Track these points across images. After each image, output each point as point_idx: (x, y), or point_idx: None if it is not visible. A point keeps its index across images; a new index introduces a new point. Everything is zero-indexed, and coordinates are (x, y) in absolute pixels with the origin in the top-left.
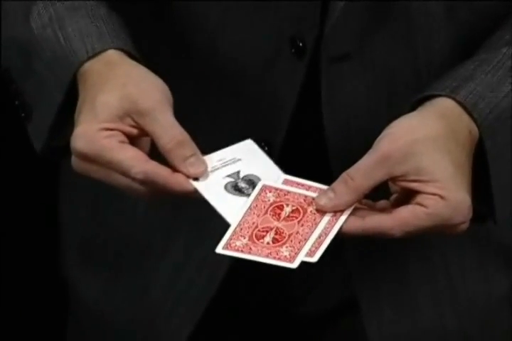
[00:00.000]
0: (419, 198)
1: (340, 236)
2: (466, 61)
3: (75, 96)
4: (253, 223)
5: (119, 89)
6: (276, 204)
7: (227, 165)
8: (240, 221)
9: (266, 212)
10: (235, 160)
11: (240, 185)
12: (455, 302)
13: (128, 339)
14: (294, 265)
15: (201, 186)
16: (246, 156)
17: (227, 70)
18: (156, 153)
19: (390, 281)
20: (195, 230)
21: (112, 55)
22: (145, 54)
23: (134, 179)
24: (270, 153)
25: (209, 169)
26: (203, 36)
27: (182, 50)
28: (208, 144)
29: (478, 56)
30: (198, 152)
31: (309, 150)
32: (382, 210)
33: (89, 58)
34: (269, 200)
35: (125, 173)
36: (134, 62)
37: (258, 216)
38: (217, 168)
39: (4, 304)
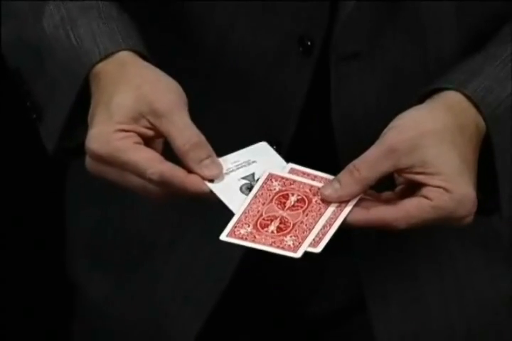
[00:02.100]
0: (424, 191)
1: (344, 227)
2: (474, 55)
3: (87, 97)
4: (258, 211)
5: (134, 90)
6: (282, 193)
7: (242, 167)
8: (245, 209)
9: (271, 201)
10: (249, 162)
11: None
12: (462, 302)
13: (136, 338)
14: (298, 254)
15: (217, 188)
16: (261, 158)
17: (235, 70)
18: (168, 155)
19: (398, 280)
20: (203, 228)
21: (125, 56)
22: (153, 54)
23: (149, 180)
24: (278, 152)
25: (224, 171)
26: (211, 35)
27: (190, 49)
28: (218, 145)
29: (487, 50)
30: (214, 154)
31: (318, 149)
32: (387, 202)
33: (102, 59)
34: (274, 189)
35: (141, 174)
36: (146, 63)
37: (263, 204)
38: (233, 170)
39: (9, 304)
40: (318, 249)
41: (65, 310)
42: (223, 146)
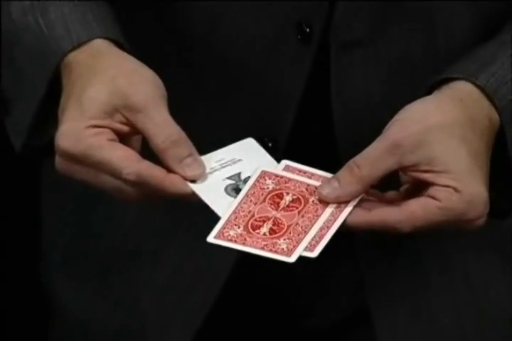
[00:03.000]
0: (431, 190)
1: (343, 230)
2: (487, 42)
3: (59, 89)
4: (249, 212)
5: (109, 82)
6: (276, 193)
7: (227, 166)
8: (235, 209)
9: (264, 201)
10: (235, 161)
11: (241, 187)
12: (476, 314)
13: None
14: (292, 259)
15: (199, 188)
16: (247, 156)
17: (227, 59)
18: (147, 153)
19: (406, 289)
20: (191, 234)
21: (99, 44)
22: (135, 43)
23: (125, 180)
24: (275, 149)
25: (207, 170)
26: (200, 22)
27: (177, 37)
28: (206, 142)
29: (501, 37)
30: (196, 152)
31: (317, 145)
32: (391, 202)
33: (74, 48)
34: (267, 188)
35: (115, 174)
36: (123, 53)
37: (255, 204)
38: (217, 170)
39: None
40: (314, 254)
41: (41, 323)
42: (213, 144)
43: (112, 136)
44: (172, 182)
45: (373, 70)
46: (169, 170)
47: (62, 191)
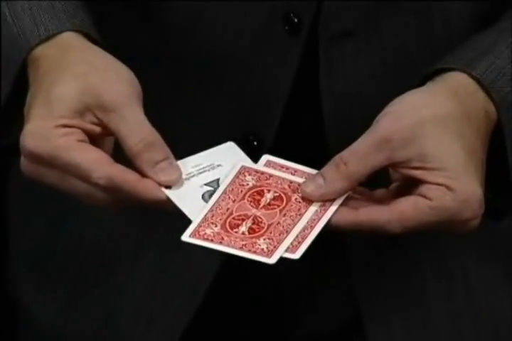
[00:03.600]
0: (422, 188)
1: (328, 230)
2: (485, 31)
3: (25, 86)
4: (227, 209)
5: (79, 79)
6: (256, 190)
7: (204, 171)
8: (212, 206)
9: (243, 198)
10: (213, 166)
11: None
12: (476, 325)
13: None
14: (272, 260)
15: (175, 195)
16: (227, 161)
17: (209, 52)
18: (120, 156)
19: (401, 298)
20: (170, 239)
21: (70, 38)
22: (109, 36)
23: (95, 185)
24: (261, 149)
25: (184, 176)
26: (181, 11)
27: (155, 28)
28: (186, 143)
29: (499, 25)
30: (171, 156)
31: (306, 144)
32: (380, 201)
33: (42, 41)
34: (247, 184)
35: (85, 178)
36: (95, 47)
37: (234, 201)
38: (194, 175)
39: None
40: (296, 255)
41: (8, 337)
42: (193, 145)
43: (82, 136)
44: (145, 188)
45: (365, 63)
46: (143, 175)
47: (30, 193)
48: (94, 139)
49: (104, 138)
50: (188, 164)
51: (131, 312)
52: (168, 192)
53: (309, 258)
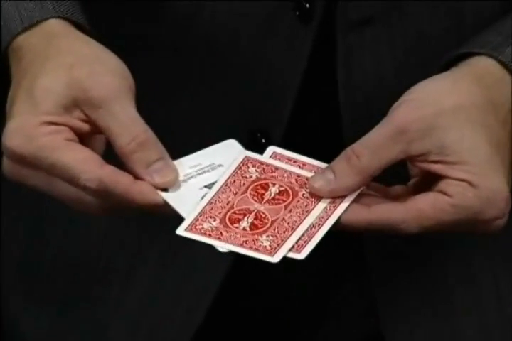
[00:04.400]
0: (442, 184)
1: (337, 229)
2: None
3: (7, 79)
4: (228, 203)
5: (65, 71)
6: (260, 183)
7: (204, 172)
8: (212, 198)
9: (245, 191)
10: (214, 167)
11: None
12: (509, 337)
13: None
14: (275, 259)
15: (172, 198)
16: (228, 161)
17: (212, 41)
18: (111, 157)
19: (426, 311)
20: (169, 247)
21: (55, 25)
22: (99, 23)
23: (84, 188)
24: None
25: (181, 177)
26: None
27: (151, 15)
28: (186, 143)
29: None
30: (167, 156)
31: (319, 142)
32: (396, 198)
33: (25, 29)
34: (251, 176)
35: (72, 180)
36: (83, 36)
37: (235, 194)
38: (192, 177)
39: None
40: (301, 255)
41: None
42: (194, 144)
43: (70, 135)
44: (140, 191)
45: (386, 52)
46: (137, 177)
47: (16, 197)
48: (82, 138)
49: (94, 136)
50: (186, 164)
51: (126, 327)
52: (164, 195)
53: (323, 265)
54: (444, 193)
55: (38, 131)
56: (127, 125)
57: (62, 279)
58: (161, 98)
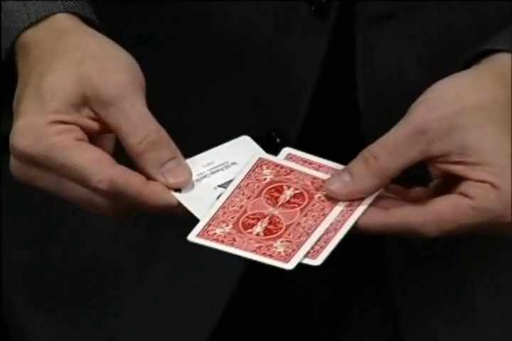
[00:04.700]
0: (463, 186)
1: (355, 233)
2: None
3: (14, 76)
4: (241, 207)
5: (74, 67)
6: (274, 186)
7: (218, 171)
8: (224, 203)
9: (259, 194)
10: (227, 165)
11: None
12: None
13: None
14: (290, 266)
15: (186, 198)
16: (243, 158)
17: (225, 37)
18: (122, 157)
19: (448, 319)
20: (181, 251)
21: (63, 20)
22: (108, 18)
23: (95, 189)
24: (284, 146)
25: (194, 177)
26: None
27: (161, 9)
28: (197, 142)
29: None
30: (179, 155)
31: (336, 143)
32: (416, 201)
33: (32, 25)
34: (265, 179)
35: (83, 182)
36: (92, 31)
37: (248, 198)
38: (206, 176)
39: None
40: (317, 261)
41: None
42: (204, 145)
43: (80, 134)
44: (152, 192)
45: (407, 49)
46: (149, 178)
47: (23, 198)
48: (92, 137)
49: (104, 135)
50: (199, 163)
51: (136, 332)
52: (178, 196)
53: (340, 270)
54: (466, 195)
55: (47, 130)
56: (138, 123)
57: (70, 283)
58: (172, 95)
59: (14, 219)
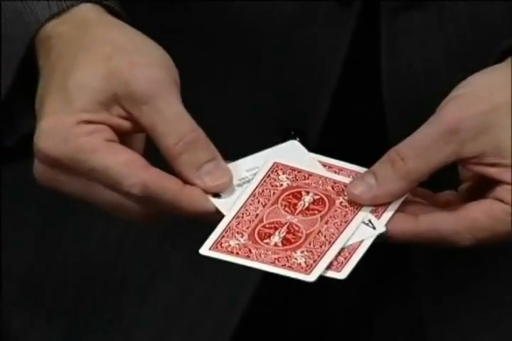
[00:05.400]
0: (498, 190)
1: (381, 242)
2: None
3: (34, 72)
4: (256, 216)
5: (102, 62)
6: (292, 191)
7: None
8: (238, 212)
9: (276, 201)
10: None
11: None
12: None
13: None
14: (311, 278)
15: (225, 205)
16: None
17: (243, 29)
18: (153, 158)
19: (481, 328)
20: (193, 260)
21: (87, 11)
22: (134, 9)
23: (127, 194)
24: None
25: (236, 182)
26: None
27: (180, 2)
28: (212, 140)
29: None
30: (219, 156)
31: (360, 142)
32: (446, 206)
33: (54, 16)
34: (281, 185)
35: (115, 186)
36: (119, 22)
37: (264, 206)
38: (248, 181)
39: None
40: (342, 275)
41: None
42: (220, 145)
43: (111, 135)
44: (189, 197)
45: (436, 39)
46: (185, 182)
47: (24, 202)
48: (123, 137)
49: (134, 135)
50: (241, 167)
51: None
52: (216, 202)
53: (365, 281)
54: (501, 200)
55: (74, 131)
56: (174, 123)
57: (72, 292)
58: (188, 92)
59: (12, 224)
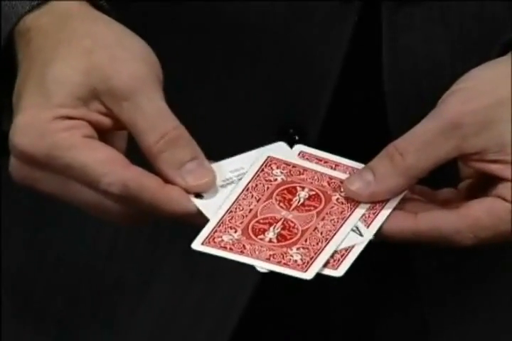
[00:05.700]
0: (500, 188)
1: (378, 240)
2: None
3: (13, 66)
4: (250, 210)
5: (82, 56)
6: (287, 187)
7: None
8: (231, 206)
9: (270, 196)
10: None
11: None
12: None
13: None
14: (308, 275)
15: (207, 206)
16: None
17: (240, 23)
18: (134, 156)
19: (485, 332)
20: (188, 262)
21: (68, 3)
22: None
23: (105, 193)
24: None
25: (219, 183)
26: None
27: None
28: (208, 140)
29: None
30: (202, 155)
31: (361, 140)
32: (446, 204)
33: (33, 8)
34: (275, 179)
35: (92, 184)
36: (101, 15)
37: (258, 201)
38: (232, 182)
39: None
40: (338, 272)
41: None
42: (216, 143)
43: (89, 131)
44: (169, 197)
45: (439, 35)
46: (167, 181)
47: (14, 202)
48: (103, 134)
49: (115, 132)
50: (226, 168)
51: None
52: (198, 202)
53: (365, 282)
54: (503, 198)
55: (51, 126)
56: (156, 120)
57: (62, 297)
58: (186, 89)
59: (5, 226)
